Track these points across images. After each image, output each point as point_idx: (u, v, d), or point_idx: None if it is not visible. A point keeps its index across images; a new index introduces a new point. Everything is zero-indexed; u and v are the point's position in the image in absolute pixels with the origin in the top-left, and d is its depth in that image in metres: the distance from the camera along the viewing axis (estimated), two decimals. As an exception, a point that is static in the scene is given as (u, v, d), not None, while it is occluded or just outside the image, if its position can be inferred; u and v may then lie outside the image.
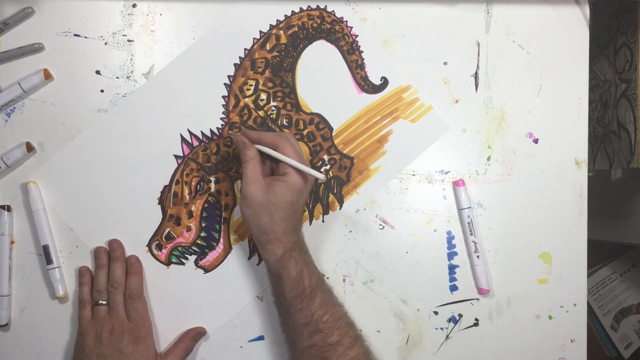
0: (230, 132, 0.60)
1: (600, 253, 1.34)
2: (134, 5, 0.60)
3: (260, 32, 0.61)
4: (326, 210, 0.61)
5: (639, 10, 0.68)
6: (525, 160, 0.63)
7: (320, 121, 0.61)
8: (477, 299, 0.62)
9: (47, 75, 0.58)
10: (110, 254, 0.58)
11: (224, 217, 0.60)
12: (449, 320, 0.62)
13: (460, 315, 0.62)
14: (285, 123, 0.61)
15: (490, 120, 0.63)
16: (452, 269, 0.62)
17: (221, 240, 0.60)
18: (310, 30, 0.61)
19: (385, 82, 0.62)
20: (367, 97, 0.62)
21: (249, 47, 0.61)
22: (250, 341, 0.60)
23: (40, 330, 0.58)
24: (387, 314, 0.61)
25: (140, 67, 0.59)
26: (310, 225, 0.61)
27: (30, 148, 0.57)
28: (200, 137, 0.60)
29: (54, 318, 0.58)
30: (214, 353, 0.60)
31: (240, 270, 0.60)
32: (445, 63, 0.63)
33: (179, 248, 0.60)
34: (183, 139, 0.60)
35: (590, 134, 0.74)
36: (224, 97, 0.60)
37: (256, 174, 0.53)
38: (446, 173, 0.62)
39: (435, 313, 0.62)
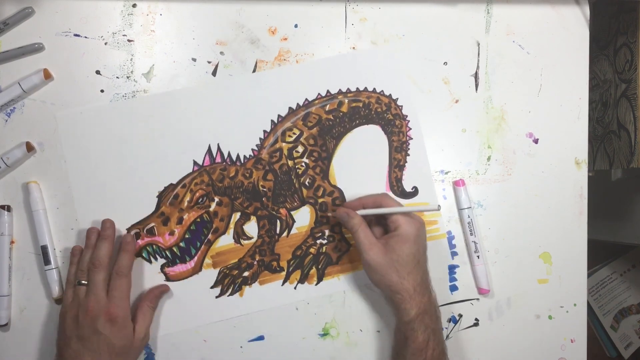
0: (329, 214, 0.60)
1: (600, 253, 1.34)
2: (134, 5, 0.60)
3: (328, 91, 0.61)
4: (302, 280, 0.60)
5: (639, 11, 0.68)
6: (525, 160, 0.63)
7: (338, 197, 0.61)
8: (477, 299, 0.62)
9: (47, 75, 0.58)
10: (100, 233, 0.57)
11: (208, 239, 0.60)
12: (449, 320, 0.62)
13: (460, 315, 0.62)
14: (307, 183, 0.60)
15: (490, 120, 0.63)
16: (452, 269, 0.62)
17: (195, 258, 0.59)
18: (372, 112, 0.61)
19: (415, 191, 0.61)
20: None
21: (310, 99, 0.61)
22: (250, 341, 0.60)
23: (40, 330, 0.58)
24: (388, 313, 0.61)
25: (140, 67, 0.59)
26: (282, 286, 0.60)
27: (30, 148, 0.57)
28: (225, 157, 0.60)
29: (54, 318, 0.58)
30: (213, 353, 0.60)
31: (198, 294, 0.59)
32: (445, 63, 0.62)
33: (153, 246, 0.59)
34: (209, 151, 0.60)
35: (590, 134, 0.74)
36: (265, 131, 0.60)
37: (370, 238, 0.54)
38: (446, 173, 0.62)
39: (435, 313, 0.62)
